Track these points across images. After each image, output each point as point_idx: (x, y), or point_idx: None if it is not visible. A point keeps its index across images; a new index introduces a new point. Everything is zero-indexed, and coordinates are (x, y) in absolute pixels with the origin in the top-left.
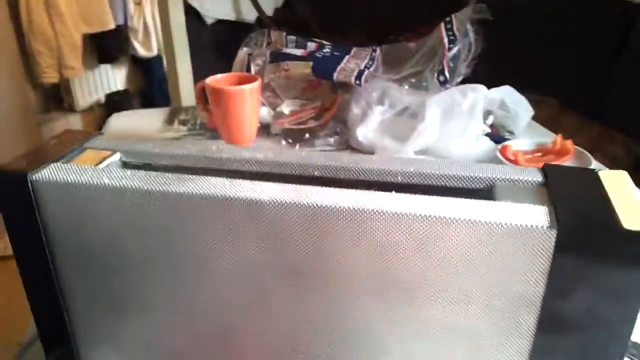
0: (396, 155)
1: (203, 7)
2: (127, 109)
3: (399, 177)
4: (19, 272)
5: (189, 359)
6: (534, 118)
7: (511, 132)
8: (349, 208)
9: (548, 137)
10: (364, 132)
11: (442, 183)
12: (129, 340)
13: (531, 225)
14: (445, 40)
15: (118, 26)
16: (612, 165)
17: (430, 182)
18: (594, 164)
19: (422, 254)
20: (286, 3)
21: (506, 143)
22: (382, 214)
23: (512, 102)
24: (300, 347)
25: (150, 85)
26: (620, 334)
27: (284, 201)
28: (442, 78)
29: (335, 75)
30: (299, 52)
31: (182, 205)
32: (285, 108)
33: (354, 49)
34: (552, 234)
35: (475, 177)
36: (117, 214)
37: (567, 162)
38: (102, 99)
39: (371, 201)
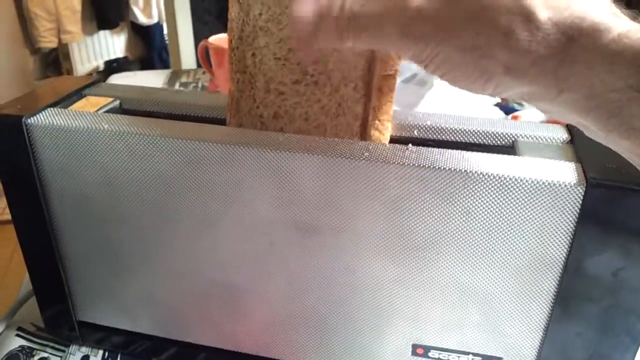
0: None
1: None
2: None
3: (415, 131)
4: (13, 224)
5: (190, 316)
6: None
7: (520, 103)
8: (363, 160)
9: None
10: None
11: (460, 138)
12: (127, 296)
13: (558, 182)
14: None
15: None
16: None
17: (447, 137)
18: None
19: (440, 209)
20: None
21: (516, 113)
22: (397, 166)
23: None
24: (308, 307)
25: (149, 53)
26: None
27: (294, 152)
28: None
29: None
30: None
31: (184, 153)
32: None
33: None
34: (580, 191)
35: (496, 133)
36: (114, 161)
37: None
38: (101, 65)
39: (386, 153)
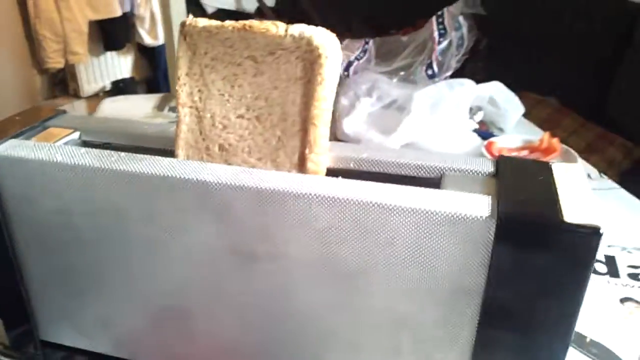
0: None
1: None
2: None
3: (351, 164)
4: None
5: (143, 338)
6: (533, 117)
7: (501, 129)
8: (292, 192)
9: (538, 135)
10: (350, 124)
11: (393, 171)
12: (85, 318)
13: (471, 215)
14: (436, 33)
15: (125, 14)
16: (609, 168)
17: (381, 169)
18: (582, 164)
19: (364, 241)
20: None
21: (492, 139)
22: (323, 199)
23: (502, 98)
24: (249, 330)
25: (155, 74)
26: (562, 329)
27: (229, 183)
28: (430, 72)
29: None
30: None
31: (132, 184)
32: None
33: (347, 41)
34: (492, 224)
35: (426, 166)
36: (69, 191)
37: (554, 160)
38: (108, 86)
39: (314, 186)
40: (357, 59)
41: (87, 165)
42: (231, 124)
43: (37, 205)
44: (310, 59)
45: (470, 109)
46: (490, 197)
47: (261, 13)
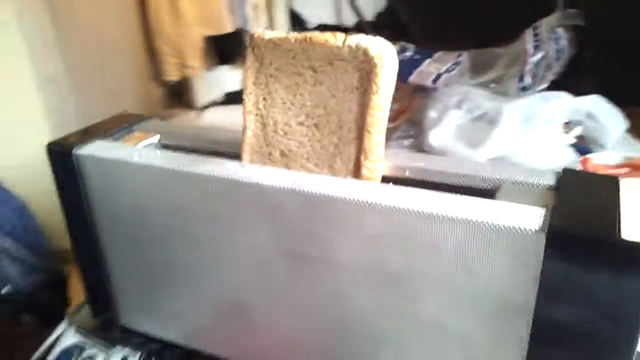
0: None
1: (305, 11)
2: None
3: (407, 172)
4: (70, 240)
5: (209, 331)
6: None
7: (602, 146)
8: (340, 197)
9: None
10: (437, 136)
11: (449, 181)
12: (159, 308)
13: (519, 227)
14: (530, 45)
15: (237, 29)
16: None
17: (436, 179)
18: None
19: (410, 248)
20: (388, 8)
21: (588, 156)
22: (370, 205)
23: (602, 112)
24: (302, 329)
25: None
26: (620, 351)
27: (283, 186)
28: (522, 84)
29: (411, 78)
30: None
31: (197, 184)
32: None
33: (439, 53)
34: (541, 238)
35: (482, 177)
36: (143, 189)
37: None
38: (220, 97)
39: (364, 192)
40: (447, 71)
41: (158, 166)
42: (292, 131)
43: (116, 201)
44: (366, 69)
45: (568, 124)
46: (544, 209)
47: (360, 27)
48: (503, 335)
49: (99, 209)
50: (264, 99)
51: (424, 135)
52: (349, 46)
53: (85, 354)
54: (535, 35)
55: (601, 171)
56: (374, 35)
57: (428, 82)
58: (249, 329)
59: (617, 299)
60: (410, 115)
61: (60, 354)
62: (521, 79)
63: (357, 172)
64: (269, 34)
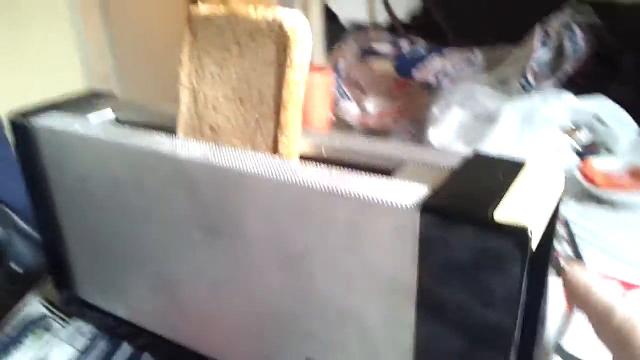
0: None
1: (339, 9)
2: None
3: (323, 150)
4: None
5: (144, 304)
6: None
7: (610, 151)
8: (243, 171)
9: None
10: (436, 134)
11: (360, 159)
12: (106, 283)
13: (396, 203)
14: (537, 42)
15: None
16: None
17: (348, 157)
18: None
19: (305, 223)
20: (422, 8)
21: (589, 159)
22: (268, 179)
23: (609, 116)
24: (219, 303)
25: None
26: (499, 337)
27: (195, 159)
28: (524, 82)
29: (414, 72)
30: (388, 49)
31: (123, 156)
32: (369, 105)
33: (452, 50)
34: (417, 215)
35: (389, 156)
36: (85, 159)
37: None
38: None
39: (261, 166)
40: (456, 67)
41: (96, 137)
42: (219, 105)
43: (66, 172)
44: (282, 42)
45: (576, 126)
46: (428, 188)
47: (393, 27)
48: (394, 316)
49: (54, 180)
50: (196, 72)
51: (425, 133)
52: (266, 20)
53: (42, 324)
54: (545, 32)
55: (599, 176)
56: (406, 34)
57: (430, 78)
58: (177, 304)
59: (489, 279)
60: (412, 113)
61: (20, 323)
62: (523, 77)
63: (275, 148)
64: (202, 8)
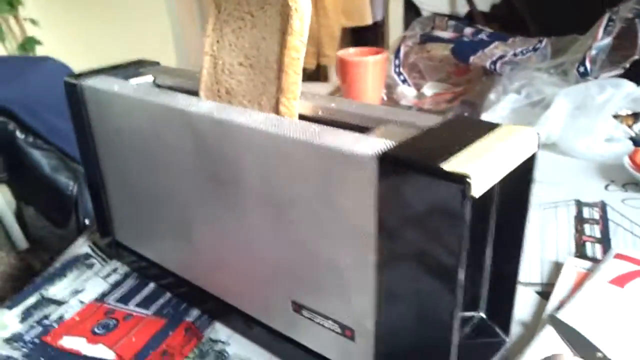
0: None
1: (420, 1)
2: None
3: (320, 112)
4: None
5: (167, 248)
6: None
7: None
8: (237, 124)
9: None
10: (489, 118)
11: (352, 120)
12: (138, 228)
13: (356, 153)
14: (601, 30)
15: (375, 22)
16: None
17: (341, 118)
18: None
19: (288, 174)
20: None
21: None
22: (256, 132)
23: None
24: (225, 248)
25: None
26: (447, 280)
27: (203, 114)
28: (582, 69)
29: (471, 58)
30: (449, 35)
31: (149, 111)
32: (427, 90)
33: (518, 38)
34: (375, 164)
35: (376, 117)
36: (120, 114)
37: None
38: None
39: (253, 121)
40: (516, 54)
41: (126, 95)
42: (234, 71)
43: (105, 126)
44: (286, 12)
45: (634, 115)
46: (394, 142)
47: (472, 16)
48: (361, 259)
49: (97, 135)
50: (217, 41)
51: (478, 117)
52: None
53: (85, 262)
54: (610, 20)
55: None
56: (486, 24)
57: (487, 64)
58: (192, 248)
59: (437, 226)
60: (467, 97)
61: (67, 260)
62: (582, 64)
63: (276, 109)
64: None
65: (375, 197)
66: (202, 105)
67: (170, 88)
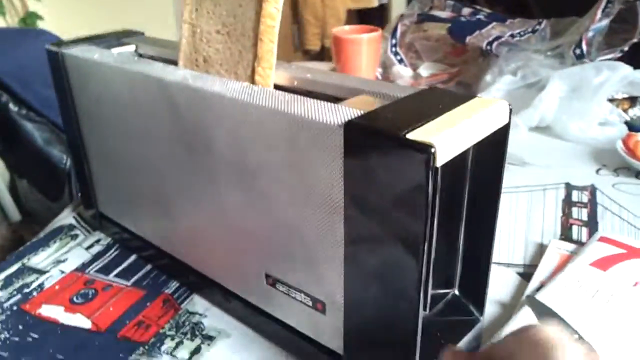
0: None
1: None
2: None
3: (295, 82)
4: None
5: (146, 218)
6: None
7: None
8: (210, 92)
9: None
10: None
11: (327, 90)
12: (117, 198)
13: (323, 121)
14: (599, 11)
15: (382, 4)
16: None
17: (316, 88)
18: None
19: (257, 142)
20: None
21: (633, 133)
22: (227, 99)
23: None
24: (198, 218)
25: None
26: (412, 250)
27: (177, 82)
28: (578, 51)
29: (468, 38)
30: (446, 15)
31: (126, 79)
32: (424, 70)
33: (516, 20)
34: (340, 133)
35: (352, 88)
36: (97, 83)
37: None
38: None
39: (226, 89)
40: (513, 35)
41: (105, 63)
42: (212, 39)
43: (85, 95)
44: None
45: (632, 99)
46: (362, 111)
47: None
48: (331, 233)
49: (78, 104)
50: (196, 9)
51: None
52: None
53: (69, 233)
54: (609, 1)
55: (639, 150)
56: (490, 6)
57: (483, 44)
58: (170, 219)
59: (402, 195)
60: (464, 78)
61: (52, 230)
62: (578, 46)
63: (252, 78)
64: None
65: (342, 168)
66: (177, 74)
67: (152, 58)
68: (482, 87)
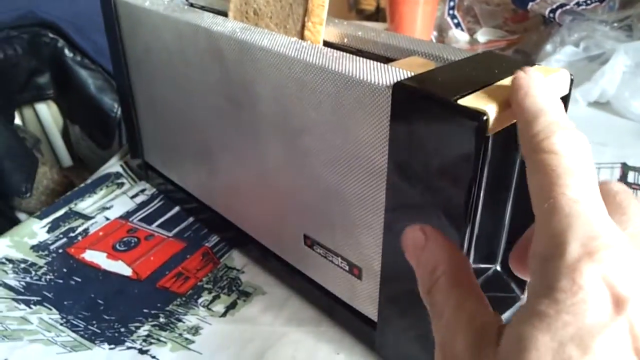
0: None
1: None
2: None
3: (346, 40)
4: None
5: (189, 172)
6: None
7: None
8: (257, 46)
9: None
10: None
11: (377, 50)
12: (163, 149)
13: (370, 81)
14: None
15: None
16: None
17: (367, 47)
18: None
19: (301, 99)
20: None
21: None
22: (273, 53)
23: None
24: (243, 175)
25: None
26: (456, 223)
27: (225, 33)
28: None
29: (530, 4)
30: None
31: (175, 28)
32: (481, 36)
33: None
34: (387, 94)
35: (404, 48)
36: (147, 30)
37: None
38: None
39: (274, 43)
40: (578, 4)
41: (154, 11)
42: None
43: (136, 42)
44: None
45: None
46: (412, 73)
47: None
48: (372, 198)
49: (128, 51)
50: None
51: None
52: None
53: (116, 181)
54: None
55: None
56: None
57: (546, 12)
58: (213, 173)
59: (449, 161)
60: (522, 46)
61: (99, 178)
62: None
63: (302, 34)
64: None
65: (388, 131)
66: (226, 25)
67: (202, 8)
68: (542, 57)
